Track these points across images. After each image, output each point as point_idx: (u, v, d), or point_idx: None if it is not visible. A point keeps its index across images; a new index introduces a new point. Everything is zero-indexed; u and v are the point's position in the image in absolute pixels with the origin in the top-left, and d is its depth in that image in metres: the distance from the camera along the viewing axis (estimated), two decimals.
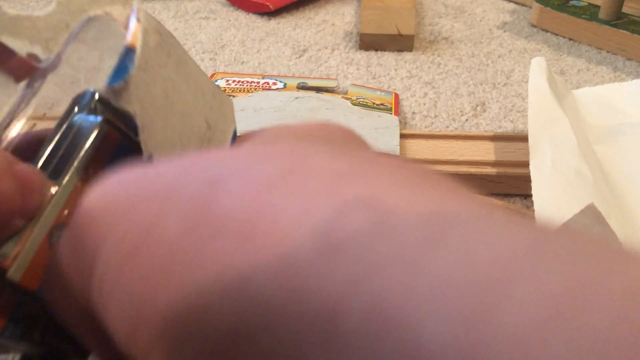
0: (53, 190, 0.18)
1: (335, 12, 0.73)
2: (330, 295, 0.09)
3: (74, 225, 0.14)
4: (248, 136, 0.17)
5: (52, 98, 0.19)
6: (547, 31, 0.68)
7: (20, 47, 0.19)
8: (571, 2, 0.68)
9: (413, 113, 0.53)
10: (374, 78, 0.58)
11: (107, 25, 0.21)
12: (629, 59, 0.61)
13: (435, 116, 0.52)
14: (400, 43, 0.63)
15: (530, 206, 0.42)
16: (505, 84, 0.58)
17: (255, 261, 0.10)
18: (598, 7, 0.65)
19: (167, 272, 0.11)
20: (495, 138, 0.45)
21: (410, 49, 0.63)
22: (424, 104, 0.54)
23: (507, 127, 0.51)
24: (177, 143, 0.19)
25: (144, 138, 0.18)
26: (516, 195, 0.43)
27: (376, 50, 0.63)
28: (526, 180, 0.35)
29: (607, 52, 0.63)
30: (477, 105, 0.54)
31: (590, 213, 0.29)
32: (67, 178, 0.18)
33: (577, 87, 0.50)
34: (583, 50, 0.64)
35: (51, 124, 0.19)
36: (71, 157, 0.18)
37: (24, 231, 0.17)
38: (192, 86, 0.20)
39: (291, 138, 0.16)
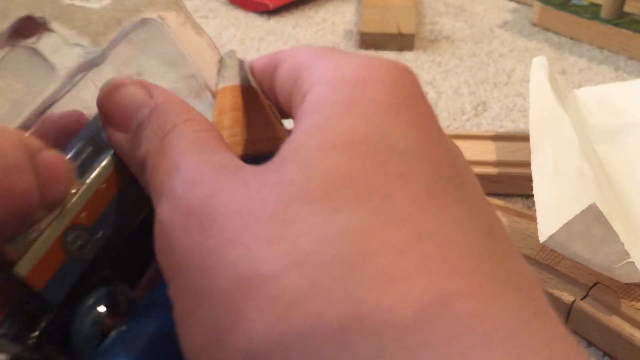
0: (73, 190, 0.17)
1: (335, 10, 0.73)
2: None
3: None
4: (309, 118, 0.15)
5: (87, 100, 0.19)
6: (548, 30, 0.67)
7: (69, 36, 0.19)
8: (573, 1, 0.67)
9: None
10: None
11: (159, 31, 0.21)
12: (630, 59, 0.61)
13: (436, 116, 0.52)
14: (401, 42, 0.63)
15: (531, 206, 0.42)
16: (506, 84, 0.57)
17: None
18: (599, 6, 0.65)
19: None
20: (496, 138, 0.45)
21: (410, 48, 0.63)
22: None
23: (508, 126, 0.51)
24: None
25: None
26: (517, 195, 0.43)
27: (376, 49, 0.63)
28: (527, 180, 0.34)
29: (609, 51, 0.63)
30: (478, 105, 0.54)
31: (592, 213, 0.29)
32: (92, 178, 0.18)
33: (579, 87, 0.50)
34: (584, 49, 0.63)
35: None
36: (100, 157, 0.18)
37: (40, 225, 0.17)
38: None
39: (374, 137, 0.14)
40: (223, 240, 0.12)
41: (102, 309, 0.18)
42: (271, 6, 0.71)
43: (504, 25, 0.69)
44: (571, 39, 0.65)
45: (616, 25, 0.62)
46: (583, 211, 0.29)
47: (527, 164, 0.36)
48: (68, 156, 0.18)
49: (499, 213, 0.37)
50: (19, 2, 0.18)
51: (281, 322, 0.11)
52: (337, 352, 0.11)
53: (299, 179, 0.13)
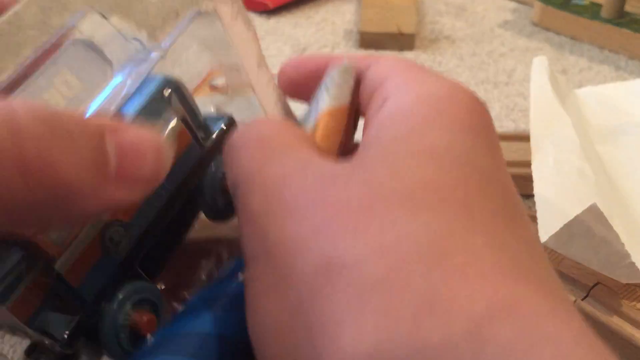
0: None
1: (336, 10, 0.72)
2: None
3: None
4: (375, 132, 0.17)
5: None
6: (548, 30, 0.67)
7: (127, 30, 0.19)
8: (573, 1, 0.67)
9: None
10: None
11: (212, 23, 0.21)
12: (631, 58, 0.61)
13: None
14: (401, 42, 0.63)
15: (532, 206, 0.42)
16: (506, 83, 0.57)
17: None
18: (600, 5, 0.64)
19: None
20: None
21: (411, 47, 0.63)
22: None
23: (508, 126, 0.51)
24: None
25: None
26: None
27: (377, 49, 0.63)
28: (528, 180, 0.34)
29: (609, 51, 0.62)
30: None
31: (593, 213, 0.29)
32: None
33: (579, 86, 0.50)
34: (585, 49, 0.63)
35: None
36: None
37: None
38: None
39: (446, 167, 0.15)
40: (312, 229, 0.14)
41: (131, 304, 0.18)
42: (271, 6, 0.71)
43: (505, 24, 0.69)
44: (572, 38, 0.65)
45: (617, 24, 0.62)
46: (584, 211, 0.29)
47: (528, 164, 0.36)
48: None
49: None
50: None
51: (358, 301, 0.12)
52: (408, 332, 0.12)
53: (386, 181, 0.14)
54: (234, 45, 0.21)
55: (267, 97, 0.23)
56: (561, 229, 0.29)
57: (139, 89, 0.18)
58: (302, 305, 0.13)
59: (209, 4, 0.20)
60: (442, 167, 0.14)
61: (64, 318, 0.17)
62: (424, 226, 0.13)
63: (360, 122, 0.19)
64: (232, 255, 0.23)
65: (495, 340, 0.11)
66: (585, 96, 0.46)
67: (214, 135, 0.21)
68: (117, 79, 0.18)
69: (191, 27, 0.20)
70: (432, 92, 0.16)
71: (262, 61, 0.22)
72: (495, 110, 0.53)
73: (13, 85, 0.16)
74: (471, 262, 0.12)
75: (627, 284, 0.31)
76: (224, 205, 0.22)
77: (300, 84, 0.21)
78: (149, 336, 0.18)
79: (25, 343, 0.18)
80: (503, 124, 0.51)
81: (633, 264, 0.29)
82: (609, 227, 0.29)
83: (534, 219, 0.33)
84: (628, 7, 0.64)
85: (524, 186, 0.41)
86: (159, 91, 0.18)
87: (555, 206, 0.31)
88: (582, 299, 0.32)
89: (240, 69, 0.21)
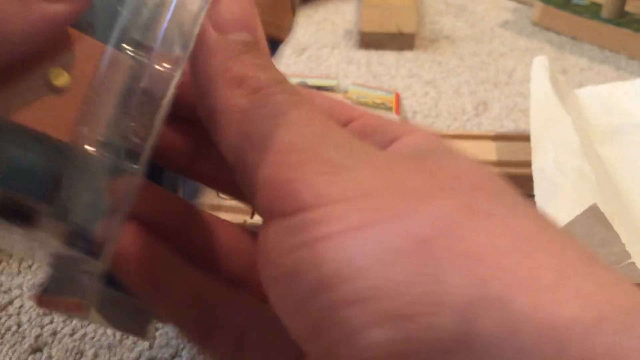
0: None
1: (336, 10, 0.72)
2: None
3: None
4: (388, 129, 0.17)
5: None
6: (549, 30, 0.67)
7: None
8: (573, 1, 0.67)
9: (414, 112, 0.52)
10: (375, 77, 0.58)
11: None
12: (631, 58, 0.61)
13: (437, 115, 0.52)
14: (401, 42, 0.63)
15: (532, 206, 0.42)
16: (507, 83, 0.57)
17: None
18: (600, 5, 0.64)
19: None
20: (497, 137, 0.45)
21: (411, 47, 0.63)
22: (425, 103, 0.53)
23: (509, 126, 0.51)
24: None
25: None
26: None
27: (377, 48, 0.63)
28: (528, 180, 0.34)
29: (610, 51, 0.62)
30: (478, 105, 0.54)
31: (593, 213, 0.29)
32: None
33: (580, 86, 0.50)
34: (585, 49, 0.63)
35: None
36: None
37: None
38: None
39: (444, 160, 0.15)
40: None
41: None
42: None
43: (505, 24, 0.69)
44: (572, 38, 0.65)
45: (617, 24, 0.62)
46: (584, 211, 0.29)
47: (528, 164, 0.36)
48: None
49: None
50: None
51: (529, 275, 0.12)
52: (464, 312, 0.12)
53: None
54: None
55: None
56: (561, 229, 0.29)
57: None
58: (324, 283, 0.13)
59: None
60: (477, 198, 0.14)
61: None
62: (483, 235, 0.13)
63: None
64: None
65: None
66: (585, 96, 0.46)
67: None
68: None
69: None
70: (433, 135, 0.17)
71: None
72: (495, 110, 0.53)
73: None
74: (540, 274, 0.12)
75: None
76: None
77: None
78: None
79: None
80: (503, 124, 0.51)
81: (633, 263, 0.29)
82: (609, 227, 0.29)
83: None
84: (628, 7, 0.64)
85: (524, 186, 0.41)
86: None
87: (555, 206, 0.31)
88: None
89: None
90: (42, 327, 0.31)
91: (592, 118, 0.44)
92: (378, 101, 0.51)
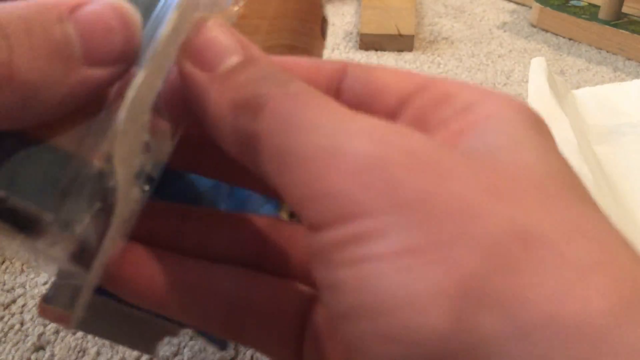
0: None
1: (335, 12, 0.73)
2: None
3: None
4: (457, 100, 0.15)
5: None
6: (547, 31, 0.67)
7: None
8: (571, 2, 0.67)
9: None
10: None
11: None
12: (629, 59, 0.61)
13: None
14: (400, 43, 0.63)
15: None
16: (505, 84, 0.57)
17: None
18: (598, 7, 0.65)
19: None
20: None
21: (410, 49, 0.63)
22: None
23: None
24: None
25: None
26: None
27: (376, 50, 0.63)
28: None
29: (607, 52, 0.63)
30: None
31: None
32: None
33: (577, 87, 0.50)
34: (583, 50, 0.64)
35: None
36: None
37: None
38: None
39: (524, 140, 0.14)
40: (487, 193, 0.12)
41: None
42: None
43: (503, 26, 0.70)
44: (570, 39, 0.66)
45: (615, 26, 0.62)
46: None
47: None
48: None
49: None
50: None
51: (578, 278, 0.11)
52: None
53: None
54: None
55: None
56: None
57: None
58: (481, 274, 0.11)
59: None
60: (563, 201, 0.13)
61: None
62: (594, 212, 0.13)
63: None
64: None
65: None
66: (583, 97, 0.46)
67: None
68: None
69: None
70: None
71: None
72: None
73: None
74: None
75: None
76: None
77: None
78: None
79: None
80: None
81: None
82: None
83: None
84: (626, 9, 0.64)
85: None
86: None
87: None
88: None
89: None
90: (44, 325, 0.31)
91: (589, 119, 0.44)
92: None
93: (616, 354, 0.10)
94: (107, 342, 0.30)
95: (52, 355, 0.30)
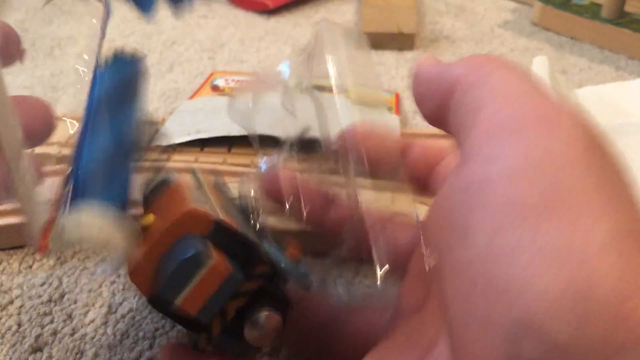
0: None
1: (336, 10, 0.72)
2: None
3: None
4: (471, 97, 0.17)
5: None
6: (548, 30, 0.67)
7: None
8: (573, 1, 0.67)
9: (414, 112, 0.52)
10: (375, 77, 0.58)
11: None
12: (631, 58, 0.61)
13: None
14: (401, 42, 0.63)
15: None
16: None
17: None
18: (600, 5, 0.64)
19: None
20: None
21: (411, 47, 0.63)
22: None
23: None
24: None
25: None
26: None
27: (377, 49, 0.63)
28: None
29: (610, 51, 0.63)
30: None
31: None
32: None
33: (579, 86, 0.50)
34: (585, 49, 0.63)
35: None
36: None
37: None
38: None
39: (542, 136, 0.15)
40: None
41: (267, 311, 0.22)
42: (271, 6, 0.71)
43: (505, 25, 0.69)
44: (572, 38, 0.65)
45: (617, 24, 0.62)
46: None
47: None
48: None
49: None
50: None
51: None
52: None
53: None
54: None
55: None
56: None
57: None
58: None
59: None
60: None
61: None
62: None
63: None
64: None
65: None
66: (585, 96, 0.46)
67: None
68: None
69: None
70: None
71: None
72: None
73: None
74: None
75: None
76: None
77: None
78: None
79: None
80: None
81: None
82: None
83: None
84: (628, 7, 0.64)
85: None
86: None
87: None
88: None
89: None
90: (42, 326, 0.31)
91: (591, 118, 0.44)
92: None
93: None
94: (105, 344, 0.30)
95: (50, 356, 0.29)
